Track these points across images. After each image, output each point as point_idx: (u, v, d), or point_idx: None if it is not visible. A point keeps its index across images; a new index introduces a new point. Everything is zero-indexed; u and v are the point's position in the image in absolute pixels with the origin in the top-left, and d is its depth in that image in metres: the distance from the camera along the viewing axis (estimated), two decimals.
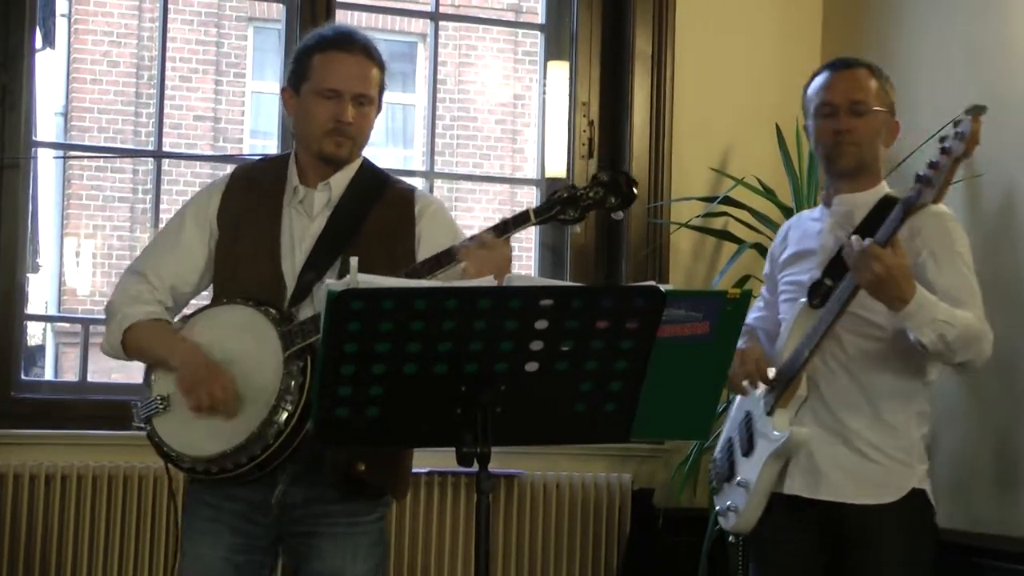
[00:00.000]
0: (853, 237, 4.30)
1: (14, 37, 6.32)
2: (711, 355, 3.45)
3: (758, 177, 6.70)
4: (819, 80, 4.72)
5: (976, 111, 4.09)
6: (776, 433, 4.52)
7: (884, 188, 4.70)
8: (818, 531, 4.58)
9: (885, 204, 4.48)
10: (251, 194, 4.43)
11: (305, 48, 4.42)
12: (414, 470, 6.27)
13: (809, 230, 4.80)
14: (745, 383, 4.62)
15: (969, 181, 6.02)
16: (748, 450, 4.68)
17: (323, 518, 4.24)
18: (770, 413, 4.58)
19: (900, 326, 4.35)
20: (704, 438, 4.60)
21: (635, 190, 4.15)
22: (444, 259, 4.06)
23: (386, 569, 4.41)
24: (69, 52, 16.53)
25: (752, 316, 4.95)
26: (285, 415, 4.07)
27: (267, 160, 4.59)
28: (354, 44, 4.33)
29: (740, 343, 4.62)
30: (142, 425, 4.29)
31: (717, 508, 4.84)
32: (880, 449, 4.52)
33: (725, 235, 6.75)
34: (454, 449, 3.29)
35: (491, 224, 4.15)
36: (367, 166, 4.44)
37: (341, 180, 4.36)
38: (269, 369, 4.11)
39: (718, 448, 4.89)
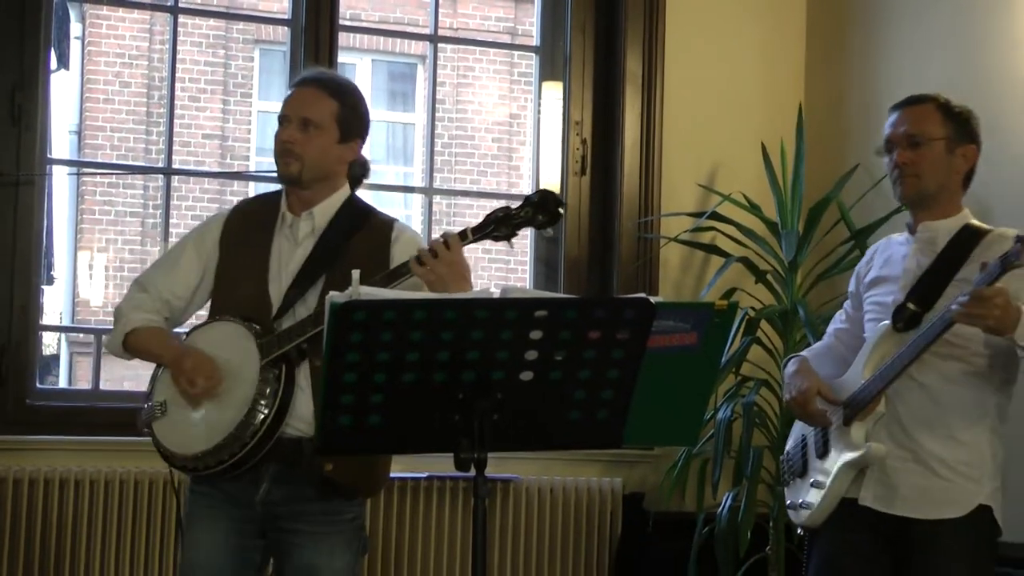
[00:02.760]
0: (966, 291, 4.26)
1: (30, 58, 6.31)
2: (699, 365, 3.42)
3: (744, 193, 6.69)
4: (891, 115, 4.73)
5: None
6: (856, 444, 4.51)
7: (966, 216, 4.68)
8: (885, 540, 4.55)
9: (965, 232, 4.55)
10: (247, 224, 4.57)
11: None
12: (413, 475, 6.34)
13: (895, 254, 4.78)
14: (810, 409, 4.63)
15: None
16: (823, 453, 4.67)
17: (302, 516, 4.30)
18: (847, 423, 4.57)
19: (1000, 341, 4.33)
20: (692, 444, 4.62)
21: (562, 210, 4.23)
22: (400, 271, 4.18)
23: (360, 565, 4.47)
24: (83, 73, 16.53)
25: (833, 327, 4.97)
26: (260, 417, 4.19)
27: (266, 194, 4.71)
28: (305, 80, 4.56)
29: (790, 369, 4.79)
30: (145, 429, 4.45)
31: (788, 502, 4.83)
32: (951, 466, 4.48)
33: (713, 249, 6.74)
34: (452, 455, 3.29)
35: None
36: (354, 200, 4.54)
37: (326, 210, 4.47)
38: (248, 376, 4.24)
39: (791, 443, 4.89)
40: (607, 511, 6.69)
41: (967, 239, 4.51)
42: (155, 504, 6.11)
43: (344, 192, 4.50)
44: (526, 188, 7.33)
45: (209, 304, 4.51)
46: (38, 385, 6.47)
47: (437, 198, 6.35)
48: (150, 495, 6.08)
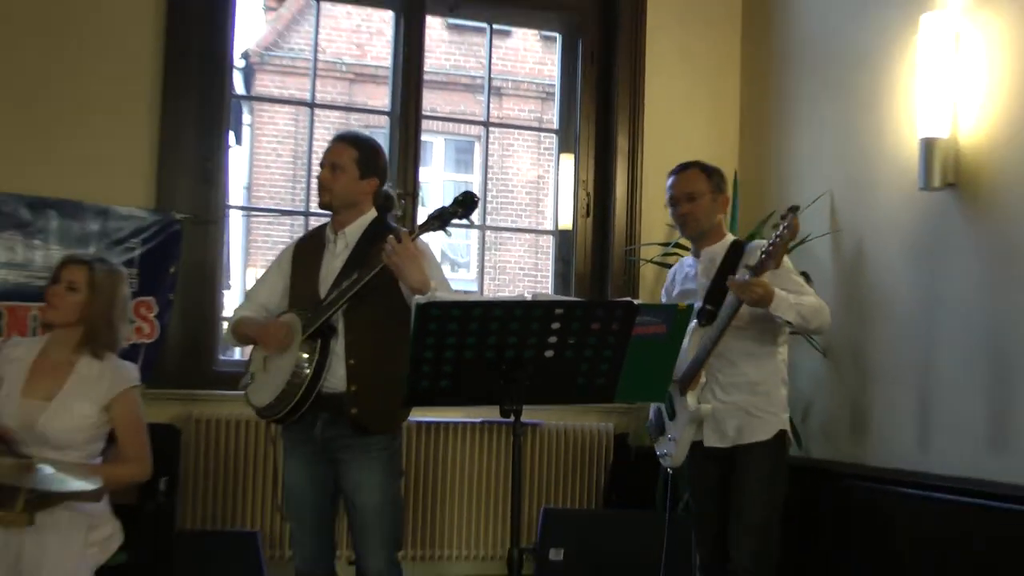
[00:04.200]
0: (738, 274, 4.55)
1: (216, 138, 6.34)
2: (666, 347, 3.49)
3: None
4: (669, 179, 4.94)
5: (794, 210, 4.46)
6: (691, 408, 4.65)
7: (730, 237, 4.92)
8: (720, 463, 4.71)
9: (733, 247, 4.80)
10: (307, 249, 4.63)
11: None
12: (471, 420, 6.31)
13: (688, 274, 4.96)
14: None
15: (834, 235, 6.01)
16: (672, 416, 4.80)
17: (347, 448, 4.31)
18: (683, 394, 4.71)
19: (770, 317, 4.52)
20: (661, 400, 4.65)
21: (475, 203, 4.23)
22: (376, 263, 4.18)
23: (398, 484, 4.48)
24: (251, 147, 16.59)
25: None
26: (305, 373, 4.22)
27: (321, 226, 4.71)
28: (336, 137, 4.62)
29: None
30: (244, 392, 4.53)
31: (657, 452, 4.93)
32: (758, 408, 4.67)
33: None
34: (498, 407, 3.33)
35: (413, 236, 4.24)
36: (377, 220, 4.53)
37: (355, 229, 4.50)
38: (294, 348, 4.28)
39: (652, 414, 4.99)
40: (603, 446, 6.66)
41: (734, 252, 4.75)
42: None
43: (371, 215, 4.52)
44: (548, 225, 7.28)
45: (289, 300, 4.54)
46: (220, 357, 6.48)
47: (488, 232, 6.35)
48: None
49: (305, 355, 4.23)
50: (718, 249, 4.78)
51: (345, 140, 4.54)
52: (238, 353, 7.69)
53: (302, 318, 4.30)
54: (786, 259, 4.64)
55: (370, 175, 4.51)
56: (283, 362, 4.28)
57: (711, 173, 4.87)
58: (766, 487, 4.62)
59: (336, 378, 4.25)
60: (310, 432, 4.32)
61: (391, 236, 4.12)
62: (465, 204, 4.18)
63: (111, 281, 4.49)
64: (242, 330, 4.54)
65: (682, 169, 4.91)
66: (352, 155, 4.48)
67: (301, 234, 6.35)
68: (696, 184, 4.82)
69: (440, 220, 4.19)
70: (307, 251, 4.57)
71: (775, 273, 4.52)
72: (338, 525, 4.61)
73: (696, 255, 4.89)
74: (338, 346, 4.27)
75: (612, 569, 5.82)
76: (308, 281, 4.45)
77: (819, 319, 4.53)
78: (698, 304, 4.66)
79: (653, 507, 6.23)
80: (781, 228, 4.41)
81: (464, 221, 4.32)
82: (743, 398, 4.67)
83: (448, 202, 4.22)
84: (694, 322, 4.64)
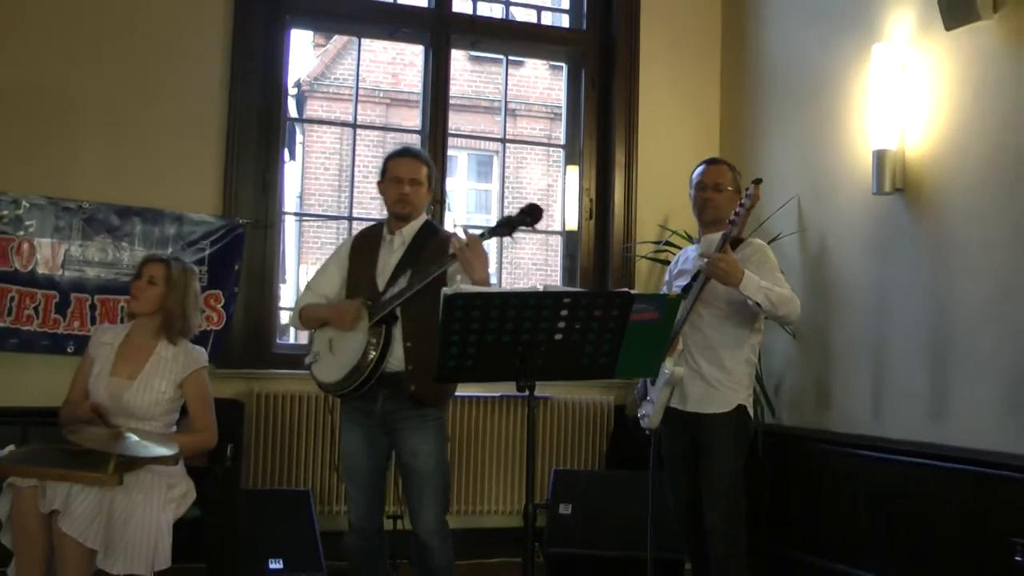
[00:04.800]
0: (704, 256, 4.49)
1: (273, 154, 6.33)
2: (658, 331, 3.45)
3: (684, 229, 6.64)
4: (699, 168, 4.85)
5: (758, 183, 4.45)
6: (666, 371, 4.57)
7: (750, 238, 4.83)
8: (687, 426, 4.64)
9: (736, 240, 4.64)
10: (364, 243, 4.55)
11: (385, 159, 4.57)
12: (491, 395, 6.29)
13: (689, 257, 4.89)
14: None
15: (801, 233, 5.99)
16: (654, 381, 4.72)
17: (403, 419, 4.28)
18: (662, 360, 4.60)
19: (740, 298, 4.44)
20: (654, 376, 4.62)
21: (540, 214, 4.19)
22: (448, 260, 4.16)
23: (445, 449, 4.41)
24: (303, 162, 16.59)
25: None
26: (370, 357, 4.18)
27: (376, 224, 4.65)
28: (407, 152, 4.53)
29: None
30: (308, 370, 4.48)
31: (639, 415, 4.87)
32: (718, 381, 4.59)
33: (666, 262, 6.66)
34: (515, 383, 3.32)
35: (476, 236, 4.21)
36: (428, 222, 4.49)
37: (410, 230, 4.44)
38: (361, 331, 4.24)
39: (640, 382, 4.92)
40: (604, 416, 6.64)
41: (734, 243, 4.59)
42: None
43: (423, 218, 4.48)
44: (557, 227, 7.26)
45: (347, 290, 4.47)
46: (277, 341, 6.48)
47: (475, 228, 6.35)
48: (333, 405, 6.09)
49: (372, 340, 4.19)
50: (716, 237, 4.64)
51: (420, 159, 4.48)
52: (292, 338, 7.69)
53: (366, 307, 4.26)
54: (771, 254, 4.62)
55: (430, 187, 4.50)
56: (350, 345, 4.25)
57: (736, 172, 4.82)
58: (728, 455, 4.54)
59: (395, 359, 4.22)
60: (371, 406, 4.28)
61: (461, 235, 4.10)
62: (532, 214, 4.14)
63: (185, 277, 4.56)
64: (308, 314, 4.48)
65: (713, 162, 4.86)
66: (426, 172, 4.45)
67: (347, 234, 6.37)
68: (723, 176, 4.75)
69: (508, 227, 4.16)
70: (364, 247, 4.51)
71: (759, 265, 4.49)
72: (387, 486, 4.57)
73: (698, 240, 4.83)
74: (397, 331, 4.24)
75: (612, 521, 5.81)
76: (365, 273, 4.40)
77: (787, 308, 4.43)
78: (686, 281, 4.63)
79: (647, 468, 6.22)
80: (744, 197, 4.42)
81: (532, 230, 4.33)
82: (708, 370, 4.59)
83: (515, 212, 4.17)
84: (678, 292, 4.62)
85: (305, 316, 4.50)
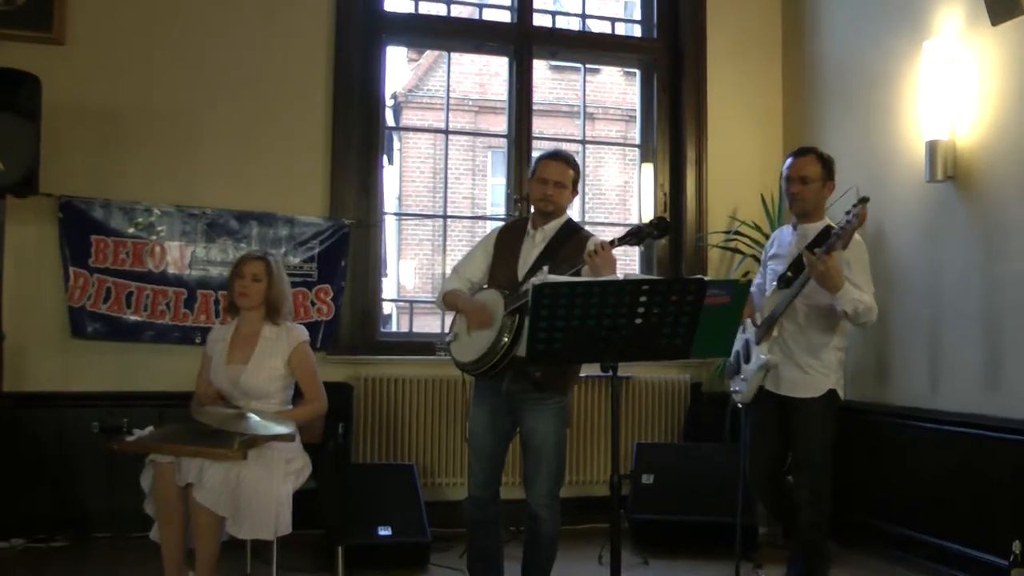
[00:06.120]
0: (810, 252, 4.32)
1: (373, 161, 6.39)
2: (730, 314, 3.41)
3: (752, 220, 6.61)
4: (788, 160, 4.65)
5: (864, 201, 4.21)
6: (761, 357, 4.50)
7: (826, 220, 4.62)
8: (779, 408, 4.55)
9: (825, 230, 4.48)
10: (509, 235, 4.48)
11: (536, 159, 4.49)
12: (580, 375, 6.30)
13: (784, 241, 4.71)
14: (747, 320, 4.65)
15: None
16: (747, 360, 4.64)
17: (527, 400, 4.23)
18: (758, 343, 4.55)
19: (834, 303, 4.32)
20: (727, 355, 4.56)
21: (667, 228, 4.14)
22: (579, 262, 4.07)
23: (565, 430, 4.34)
24: (401, 166, 16.71)
25: (754, 283, 4.85)
26: (503, 342, 4.13)
27: (521, 218, 4.61)
28: (557, 156, 4.41)
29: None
30: (445, 348, 4.43)
31: (731, 389, 4.80)
32: (811, 367, 4.48)
33: (736, 251, 6.66)
34: (599, 364, 3.35)
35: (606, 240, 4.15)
36: (568, 221, 4.43)
37: (552, 227, 4.36)
38: (497, 318, 4.19)
39: (732, 357, 4.80)
40: (682, 393, 6.63)
41: (824, 234, 4.45)
42: (445, 394, 6.16)
43: (565, 217, 4.42)
44: (634, 220, 7.25)
45: (489, 278, 4.43)
46: (381, 329, 6.54)
47: (586, 227, 6.33)
48: (440, 388, 6.11)
49: (507, 326, 4.17)
50: (813, 228, 4.55)
51: (568, 163, 4.40)
52: (394, 326, 7.75)
53: (503, 296, 4.24)
54: (866, 254, 4.46)
55: (575, 189, 4.44)
56: (486, 329, 4.24)
57: (825, 161, 4.60)
58: (819, 435, 4.43)
59: (524, 346, 4.23)
60: (498, 387, 4.24)
61: (598, 242, 4.07)
62: (659, 227, 4.10)
63: (279, 267, 4.68)
64: (451, 300, 4.45)
65: (800, 153, 4.64)
66: (571, 175, 4.38)
67: (442, 231, 6.38)
68: (810, 168, 4.55)
69: (637, 237, 4.10)
70: (509, 239, 4.46)
71: (852, 263, 4.35)
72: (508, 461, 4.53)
73: (795, 228, 4.65)
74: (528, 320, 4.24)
75: (689, 488, 5.80)
76: (508, 264, 4.36)
77: (866, 316, 4.31)
78: (781, 269, 4.54)
79: (721, 440, 6.21)
80: (851, 215, 4.17)
81: (661, 240, 4.29)
82: (802, 357, 4.49)
83: (644, 223, 4.14)
84: (773, 285, 4.54)
85: (448, 300, 4.48)
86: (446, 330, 4.64)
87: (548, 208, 4.35)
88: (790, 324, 4.53)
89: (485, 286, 4.41)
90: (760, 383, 4.57)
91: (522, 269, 4.32)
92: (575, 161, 4.43)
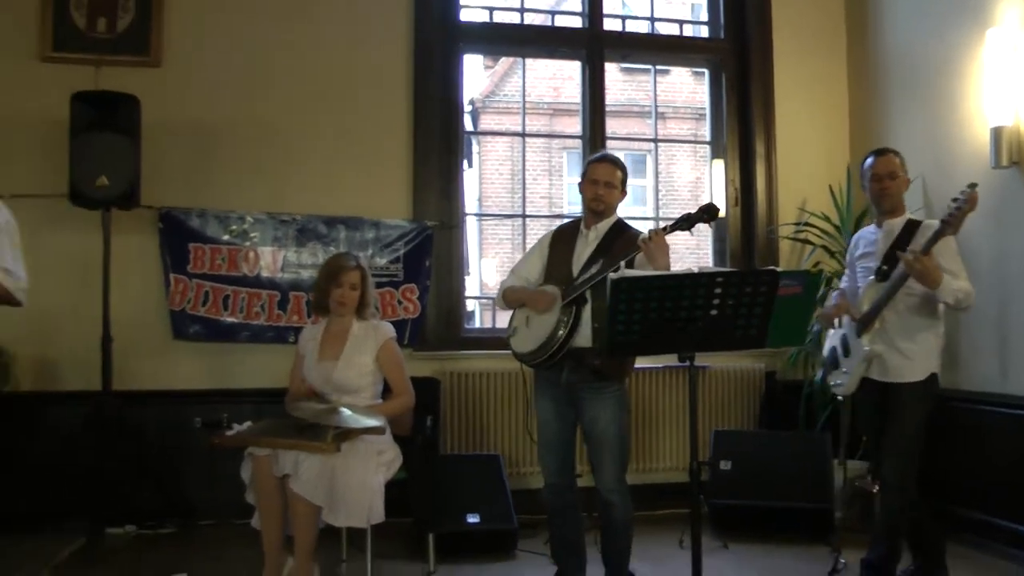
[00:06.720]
0: (908, 250, 4.27)
1: (453, 164, 6.43)
2: (802, 304, 3.40)
3: (822, 211, 6.53)
4: (870, 160, 4.58)
5: (974, 187, 4.08)
6: (866, 348, 4.43)
7: (908, 214, 4.57)
8: (882, 394, 4.45)
9: (909, 224, 4.45)
10: (563, 236, 4.52)
11: (586, 163, 4.54)
12: (656, 366, 6.27)
13: (869, 239, 4.64)
14: (834, 316, 4.61)
15: (927, 208, 5.82)
16: (846, 354, 4.56)
17: (587, 390, 4.24)
18: (859, 336, 4.47)
19: (933, 295, 4.26)
20: (800, 344, 4.52)
21: (716, 213, 4.15)
22: (633, 250, 4.10)
23: (626, 419, 4.33)
24: (480, 168, 16.76)
25: (842, 285, 4.83)
26: (560, 333, 4.16)
27: (574, 220, 4.61)
28: (605, 159, 4.45)
29: (835, 298, 4.72)
30: (506, 342, 4.48)
31: (831, 383, 4.70)
32: (915, 353, 4.38)
33: (806, 242, 6.58)
34: (676, 355, 3.35)
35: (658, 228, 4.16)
36: (619, 220, 4.45)
37: (603, 226, 4.39)
38: (555, 311, 4.22)
39: (826, 353, 4.75)
40: (757, 382, 6.57)
41: (910, 228, 4.42)
42: (527, 386, 6.18)
43: (615, 217, 4.44)
44: None
45: (545, 276, 4.45)
46: (465, 326, 6.57)
47: (660, 222, 6.27)
48: (522, 381, 6.15)
49: (563, 318, 4.19)
50: (898, 223, 4.49)
51: (616, 165, 4.44)
52: (478, 322, 7.78)
53: (560, 290, 4.27)
54: (952, 242, 4.33)
55: (624, 190, 4.47)
56: (544, 321, 4.26)
57: (902, 159, 4.58)
58: (911, 418, 4.36)
59: (583, 337, 4.20)
60: (557, 377, 4.27)
61: (652, 229, 4.10)
62: (709, 212, 4.11)
63: (367, 270, 4.74)
64: (511, 296, 4.50)
65: (882, 153, 4.58)
66: (620, 176, 4.42)
67: (521, 230, 6.40)
68: (894, 166, 4.51)
69: (687, 223, 4.11)
70: (563, 239, 4.50)
71: (943, 252, 4.26)
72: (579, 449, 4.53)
73: (879, 225, 4.58)
74: (585, 312, 4.23)
75: (766, 474, 5.75)
76: (563, 262, 4.39)
77: (967, 302, 4.24)
78: (877, 264, 4.46)
79: (795, 427, 6.14)
80: (960, 201, 4.06)
81: (711, 225, 4.27)
82: (905, 345, 4.40)
83: (694, 210, 4.14)
84: (871, 277, 4.46)
85: (508, 297, 4.52)
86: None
87: (599, 207, 4.39)
88: (890, 314, 4.44)
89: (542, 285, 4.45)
90: (863, 374, 4.50)
91: (576, 266, 4.35)
92: (622, 163, 4.47)
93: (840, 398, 4.69)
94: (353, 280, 4.64)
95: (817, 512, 5.52)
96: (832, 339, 4.70)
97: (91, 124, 5.39)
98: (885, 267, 4.43)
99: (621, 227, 4.41)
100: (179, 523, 5.72)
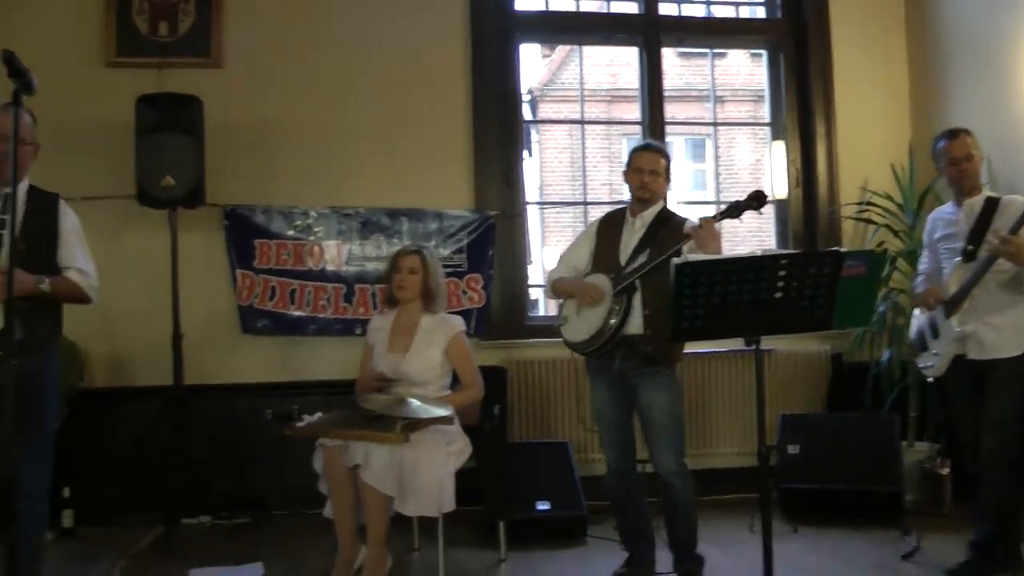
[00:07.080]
0: (993, 230, 4.25)
1: (514, 154, 6.44)
2: (867, 284, 3.38)
3: (884, 190, 6.44)
4: (943, 143, 4.51)
5: None
6: (957, 329, 4.37)
7: (986, 192, 4.52)
8: (975, 373, 4.39)
9: (989, 202, 4.41)
10: (610, 224, 4.54)
11: (630, 152, 4.55)
12: (720, 350, 6.22)
13: (949, 220, 4.57)
14: (931, 301, 4.50)
15: (991, 187, 5.71)
16: (936, 336, 4.50)
17: (639, 376, 4.27)
18: (948, 317, 4.41)
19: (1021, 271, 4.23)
20: (867, 324, 4.46)
21: (765, 199, 4.13)
22: (683, 238, 4.13)
23: (680, 403, 4.35)
24: (540, 157, 16.73)
25: (922, 267, 4.76)
26: (612, 322, 4.20)
27: (621, 208, 4.62)
28: (650, 147, 4.49)
29: (921, 283, 4.68)
30: (558, 331, 4.51)
31: (919, 365, 4.66)
32: (1007, 330, 4.31)
33: (869, 221, 6.49)
34: (742, 339, 3.32)
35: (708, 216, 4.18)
36: (664, 208, 4.45)
37: (649, 214, 4.41)
38: (606, 300, 4.25)
39: (913, 336, 4.70)
40: (823, 363, 6.51)
41: (991, 205, 4.38)
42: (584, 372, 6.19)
43: (661, 204, 4.45)
44: (768, 197, 7.12)
45: (592, 264, 4.48)
46: (529, 314, 6.59)
47: (722, 206, 6.26)
48: (582, 367, 6.15)
49: (615, 307, 4.22)
50: (976, 201, 4.44)
51: (660, 152, 4.46)
52: (542, 310, 7.79)
53: (610, 278, 4.29)
54: None
55: (669, 179, 4.48)
56: (595, 310, 4.28)
57: (974, 137, 4.52)
58: (1010, 393, 4.29)
59: (634, 324, 4.23)
60: (610, 365, 4.30)
61: (703, 217, 4.10)
62: (757, 199, 4.10)
63: (433, 259, 4.74)
64: (560, 287, 4.52)
65: (955, 135, 4.51)
66: (664, 164, 4.43)
67: (583, 217, 6.40)
68: (969, 146, 4.46)
69: (737, 210, 4.12)
70: (610, 228, 4.52)
71: None
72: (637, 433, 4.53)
73: (958, 204, 4.52)
74: (636, 300, 4.24)
75: (835, 457, 5.69)
76: (610, 250, 4.41)
77: None
78: (963, 245, 4.40)
79: (862, 409, 6.07)
80: None
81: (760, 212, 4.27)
82: (999, 321, 4.33)
83: (743, 198, 4.14)
84: (958, 258, 4.40)
85: (557, 288, 4.55)
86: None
87: (645, 195, 4.41)
88: (979, 291, 4.38)
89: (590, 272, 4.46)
90: (955, 354, 4.44)
91: (624, 254, 4.37)
92: (666, 151, 4.50)
93: (930, 380, 4.61)
94: (412, 264, 4.63)
95: (887, 495, 5.45)
96: (919, 321, 4.65)
97: (156, 126, 5.48)
98: (971, 247, 4.37)
99: (667, 215, 4.43)
100: (252, 513, 5.80)
